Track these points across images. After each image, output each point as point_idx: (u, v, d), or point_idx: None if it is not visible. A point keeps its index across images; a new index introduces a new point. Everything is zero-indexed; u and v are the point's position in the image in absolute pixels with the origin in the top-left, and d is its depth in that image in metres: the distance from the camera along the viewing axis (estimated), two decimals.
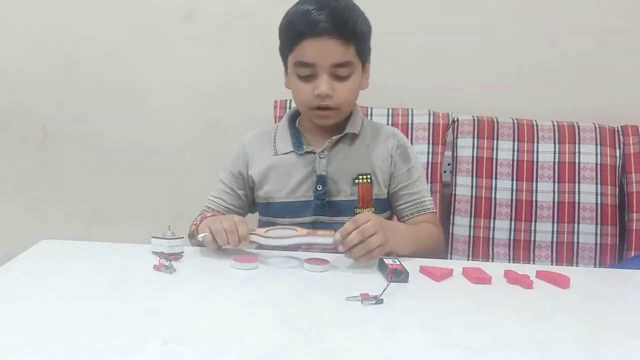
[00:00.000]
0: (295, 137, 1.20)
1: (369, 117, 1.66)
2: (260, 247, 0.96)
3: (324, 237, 0.95)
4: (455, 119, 1.69)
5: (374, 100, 1.69)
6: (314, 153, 1.18)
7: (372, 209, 1.18)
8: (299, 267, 0.95)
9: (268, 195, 1.20)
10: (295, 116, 1.24)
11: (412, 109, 1.69)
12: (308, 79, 1.12)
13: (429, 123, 1.66)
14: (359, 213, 1.16)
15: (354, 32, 1.09)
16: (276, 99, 1.66)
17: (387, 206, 1.23)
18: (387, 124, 1.61)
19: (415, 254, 1.06)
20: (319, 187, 1.16)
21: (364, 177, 1.18)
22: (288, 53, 1.14)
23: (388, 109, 1.69)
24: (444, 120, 1.67)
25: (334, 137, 1.17)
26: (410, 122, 1.67)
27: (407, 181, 1.21)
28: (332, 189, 1.17)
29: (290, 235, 0.95)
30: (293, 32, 1.10)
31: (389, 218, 1.26)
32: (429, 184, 1.63)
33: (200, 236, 0.99)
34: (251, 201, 1.26)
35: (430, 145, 1.65)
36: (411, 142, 1.64)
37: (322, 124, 1.17)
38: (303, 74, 1.12)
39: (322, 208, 1.17)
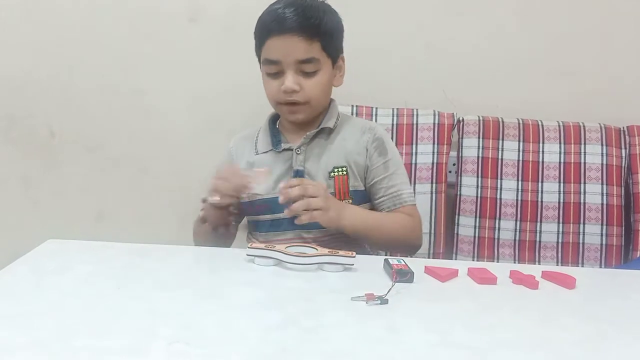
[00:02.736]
0: (274, 136, 1.24)
1: (373, 118, 1.66)
2: (279, 263, 0.96)
3: (346, 258, 0.94)
4: (461, 119, 1.69)
5: (379, 100, 1.69)
6: (292, 150, 1.21)
7: (350, 200, 1.20)
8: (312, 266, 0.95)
9: (250, 194, 1.22)
10: (276, 117, 1.28)
11: (417, 109, 1.68)
12: (276, 76, 1.16)
13: (434, 123, 1.66)
14: None
15: (317, 28, 1.13)
16: None
17: (367, 197, 1.24)
18: (392, 124, 1.61)
19: (374, 238, 1.15)
20: None
21: (339, 170, 1.20)
22: (259, 53, 1.19)
23: (393, 109, 1.68)
24: (449, 120, 1.67)
25: (308, 133, 1.21)
26: (415, 122, 1.66)
27: (383, 174, 1.22)
28: None
29: (311, 254, 0.95)
30: (261, 31, 1.16)
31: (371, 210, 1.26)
32: (434, 185, 1.63)
33: (209, 199, 1.06)
34: None
35: (436, 146, 1.65)
36: (416, 142, 1.64)
37: (293, 120, 1.21)
38: (271, 71, 1.16)
39: None
